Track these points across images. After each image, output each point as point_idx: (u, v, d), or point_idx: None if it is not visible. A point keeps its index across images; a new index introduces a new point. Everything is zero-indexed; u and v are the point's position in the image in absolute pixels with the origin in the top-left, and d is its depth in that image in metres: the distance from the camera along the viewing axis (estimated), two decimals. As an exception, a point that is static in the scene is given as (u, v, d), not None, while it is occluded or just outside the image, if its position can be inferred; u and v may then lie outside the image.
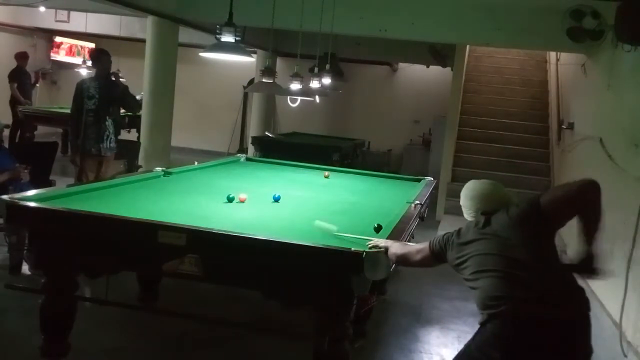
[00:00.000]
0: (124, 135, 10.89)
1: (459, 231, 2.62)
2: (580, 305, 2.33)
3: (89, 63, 6.47)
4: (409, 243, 3.05)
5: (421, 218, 4.41)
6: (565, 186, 2.44)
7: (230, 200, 3.85)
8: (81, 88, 6.01)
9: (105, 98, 6.02)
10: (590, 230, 2.33)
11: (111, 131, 6.14)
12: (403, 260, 2.81)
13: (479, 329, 2.44)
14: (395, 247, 2.82)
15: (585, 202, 2.31)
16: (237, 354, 3.86)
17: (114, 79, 6.22)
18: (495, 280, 2.36)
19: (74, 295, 3.29)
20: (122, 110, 6.91)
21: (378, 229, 3.32)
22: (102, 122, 6.01)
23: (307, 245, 2.79)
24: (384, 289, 4.84)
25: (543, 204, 2.38)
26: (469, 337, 4.40)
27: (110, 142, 6.12)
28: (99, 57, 6.20)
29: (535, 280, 2.30)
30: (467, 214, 2.73)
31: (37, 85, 11.04)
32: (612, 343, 4.48)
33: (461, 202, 2.78)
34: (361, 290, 2.82)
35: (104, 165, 6.15)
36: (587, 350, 2.30)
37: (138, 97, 7.74)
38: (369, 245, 2.84)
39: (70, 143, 6.13)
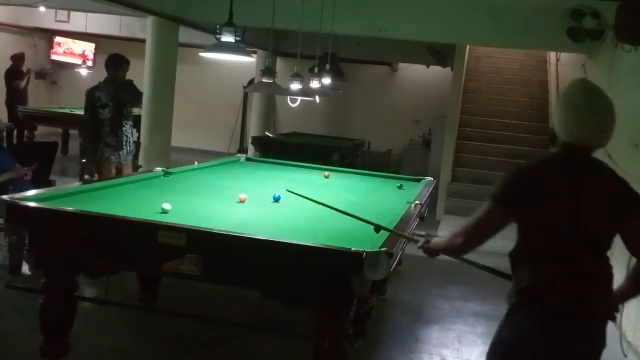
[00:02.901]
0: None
1: (533, 169, 2.17)
2: (610, 307, 2.27)
3: (105, 68, 5.89)
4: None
5: (421, 218, 4.42)
6: None
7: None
8: (92, 98, 5.82)
9: (119, 104, 5.84)
10: (631, 295, 2.34)
11: (129, 134, 6.01)
12: (471, 232, 2.25)
13: (513, 311, 2.22)
14: (450, 231, 2.37)
15: None
16: (237, 354, 3.86)
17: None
18: (556, 266, 2.13)
19: (74, 295, 3.29)
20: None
21: (378, 228, 3.31)
22: (118, 129, 5.87)
23: (307, 245, 2.79)
24: (384, 289, 4.82)
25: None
26: (469, 337, 4.46)
27: (129, 146, 6.03)
28: (121, 64, 5.89)
29: (588, 275, 2.16)
30: (557, 126, 2.22)
31: (26, 84, 10.98)
32: (612, 343, 4.48)
33: (556, 109, 2.25)
34: (361, 290, 2.82)
35: (123, 169, 6.00)
36: (604, 343, 2.23)
37: None
38: (419, 246, 2.56)
39: (84, 152, 5.97)
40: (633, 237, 2.20)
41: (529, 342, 2.15)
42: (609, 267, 2.25)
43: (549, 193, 2.13)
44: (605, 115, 2.18)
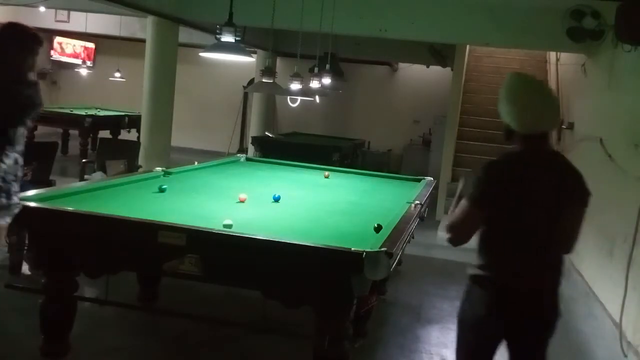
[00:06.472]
0: (124, 135, 10.95)
1: (498, 165, 2.40)
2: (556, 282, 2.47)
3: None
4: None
5: (421, 218, 4.42)
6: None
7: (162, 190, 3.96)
8: None
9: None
10: None
11: (8, 176, 2.92)
12: (456, 230, 2.46)
13: (472, 288, 2.52)
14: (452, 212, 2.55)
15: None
16: (237, 354, 3.86)
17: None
18: (510, 249, 2.38)
19: (74, 295, 3.29)
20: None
21: (378, 228, 3.32)
22: None
23: (307, 245, 2.80)
24: (384, 289, 4.83)
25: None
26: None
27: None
28: (32, 48, 2.98)
29: (535, 257, 2.38)
30: (507, 118, 2.53)
31: None
32: (612, 343, 4.48)
33: (500, 104, 2.56)
34: (361, 290, 2.82)
35: None
36: (558, 312, 2.45)
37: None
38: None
39: None
40: (563, 228, 2.37)
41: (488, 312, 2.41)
42: (561, 257, 2.45)
43: (509, 188, 2.34)
44: (547, 106, 2.45)
